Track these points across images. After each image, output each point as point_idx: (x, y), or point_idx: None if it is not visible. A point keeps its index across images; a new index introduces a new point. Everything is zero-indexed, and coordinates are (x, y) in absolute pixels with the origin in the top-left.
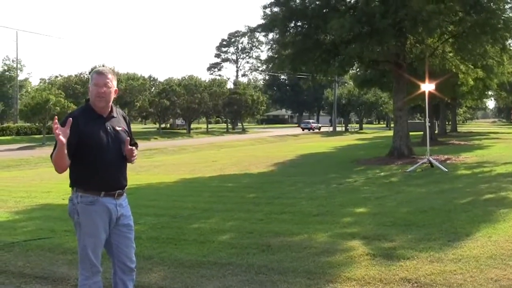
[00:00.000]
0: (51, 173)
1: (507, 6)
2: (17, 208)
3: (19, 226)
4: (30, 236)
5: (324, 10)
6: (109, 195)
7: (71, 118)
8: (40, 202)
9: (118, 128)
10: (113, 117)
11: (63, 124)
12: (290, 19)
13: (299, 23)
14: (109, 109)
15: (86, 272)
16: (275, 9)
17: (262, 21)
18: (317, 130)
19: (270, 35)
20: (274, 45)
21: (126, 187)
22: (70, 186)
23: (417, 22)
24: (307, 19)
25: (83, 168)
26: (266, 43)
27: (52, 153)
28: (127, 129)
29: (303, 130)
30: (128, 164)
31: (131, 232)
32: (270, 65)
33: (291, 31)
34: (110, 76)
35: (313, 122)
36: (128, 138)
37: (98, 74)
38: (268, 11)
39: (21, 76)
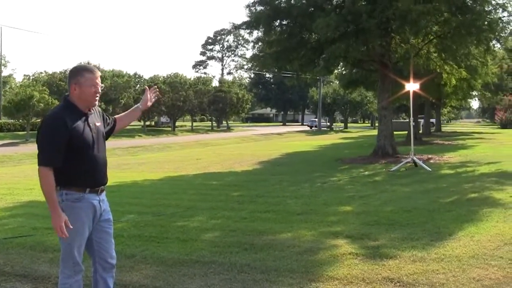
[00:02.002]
0: (35, 170)
1: (491, 8)
2: None
3: (0, 224)
4: (11, 234)
5: (310, 9)
6: (94, 192)
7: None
8: (22, 200)
9: (97, 124)
10: (91, 113)
11: (55, 125)
12: (274, 18)
13: (284, 22)
14: None
15: (68, 271)
16: (260, 8)
17: (247, 19)
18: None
19: (255, 33)
20: (259, 43)
21: (107, 183)
22: None
23: (405, 22)
24: (292, 17)
25: (70, 166)
26: (251, 41)
27: (44, 188)
28: (103, 124)
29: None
30: (113, 161)
31: (111, 227)
32: (255, 63)
33: (276, 29)
34: (98, 74)
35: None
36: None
37: (93, 73)
38: (252, 9)
39: (5, 72)
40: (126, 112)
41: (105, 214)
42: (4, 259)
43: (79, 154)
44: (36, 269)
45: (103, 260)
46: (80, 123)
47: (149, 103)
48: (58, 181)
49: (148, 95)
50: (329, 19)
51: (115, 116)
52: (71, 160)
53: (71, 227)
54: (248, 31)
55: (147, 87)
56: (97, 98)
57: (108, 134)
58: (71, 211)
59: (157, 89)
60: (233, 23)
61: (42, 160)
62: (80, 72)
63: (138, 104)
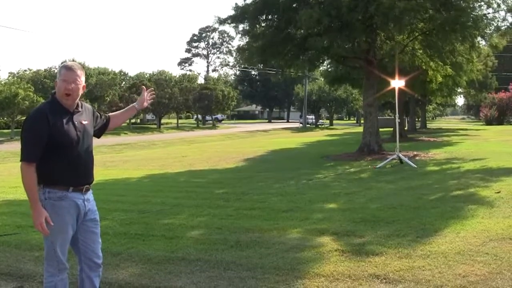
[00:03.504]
0: (19, 168)
1: (476, 5)
2: None
3: None
4: None
5: (294, 5)
6: (77, 191)
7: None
8: (7, 198)
9: (84, 122)
10: (79, 111)
11: (37, 120)
12: (261, 11)
13: (270, 16)
14: (76, 104)
15: (52, 269)
16: (248, 1)
17: (232, 13)
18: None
19: (240, 27)
20: (245, 35)
21: (93, 182)
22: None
23: (388, 19)
24: (278, 12)
25: (52, 164)
26: (237, 33)
27: (24, 184)
28: (93, 123)
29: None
30: (98, 159)
31: (97, 227)
32: (241, 56)
33: (262, 24)
34: (79, 72)
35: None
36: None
37: (67, 69)
38: (238, 3)
39: None
40: (122, 110)
41: (90, 213)
42: None
43: (61, 151)
44: (21, 268)
45: (89, 260)
46: (63, 120)
47: (146, 103)
48: (41, 179)
49: (145, 95)
50: (312, 11)
51: (109, 114)
52: (54, 157)
53: (52, 224)
54: (233, 25)
55: (143, 86)
56: (68, 95)
57: (101, 132)
58: (54, 209)
59: (153, 91)
60: (218, 17)
61: (23, 155)
62: (60, 68)
63: (134, 103)
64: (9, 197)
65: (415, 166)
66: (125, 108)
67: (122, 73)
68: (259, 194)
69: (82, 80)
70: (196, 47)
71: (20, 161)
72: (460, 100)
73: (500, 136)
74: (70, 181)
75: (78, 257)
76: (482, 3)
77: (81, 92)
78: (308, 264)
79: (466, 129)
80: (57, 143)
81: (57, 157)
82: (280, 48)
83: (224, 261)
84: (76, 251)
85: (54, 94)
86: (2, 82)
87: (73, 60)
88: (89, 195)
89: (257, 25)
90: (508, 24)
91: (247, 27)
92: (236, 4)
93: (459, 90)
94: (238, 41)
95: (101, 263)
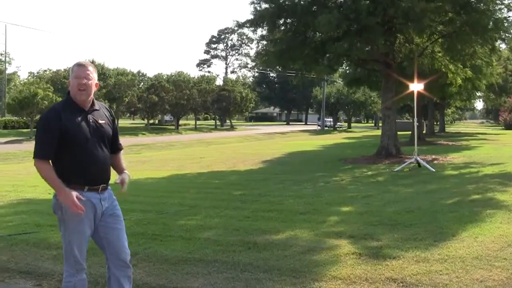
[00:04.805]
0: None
1: (496, 7)
2: (2, 202)
3: (4, 221)
4: (15, 231)
5: (314, 8)
6: (93, 190)
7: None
8: (26, 197)
9: (101, 121)
10: (95, 110)
11: (49, 118)
12: (279, 16)
13: (288, 20)
14: (90, 102)
15: (71, 269)
16: (264, 6)
17: (251, 17)
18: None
19: (259, 31)
20: (263, 41)
21: (109, 181)
22: None
23: (408, 20)
24: (297, 16)
25: (66, 163)
26: (255, 39)
27: (43, 177)
28: (110, 123)
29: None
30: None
31: (120, 222)
32: (259, 61)
33: (280, 27)
34: (90, 68)
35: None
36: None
37: (79, 66)
38: (257, 7)
39: (9, 70)
40: (119, 161)
41: (109, 210)
42: (8, 255)
43: (75, 150)
44: (40, 266)
45: (114, 257)
46: (76, 118)
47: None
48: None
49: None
50: (330, 16)
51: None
52: (68, 156)
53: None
54: (252, 29)
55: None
56: (81, 91)
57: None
58: (70, 209)
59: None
60: (237, 21)
61: (35, 152)
62: (72, 67)
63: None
64: (29, 196)
65: (433, 170)
66: (120, 165)
67: (140, 74)
68: (276, 196)
69: (94, 76)
70: (215, 48)
71: (33, 157)
72: (479, 104)
73: None
74: (86, 180)
75: (105, 255)
76: (503, 6)
77: (93, 88)
78: (324, 267)
79: (485, 133)
80: (70, 141)
81: (72, 156)
82: (298, 52)
83: (241, 262)
84: (102, 249)
85: (69, 93)
86: (22, 82)
87: (92, 61)
88: (106, 193)
89: (275, 29)
90: None
91: (265, 32)
92: (254, 7)
93: (478, 94)
94: (256, 44)
95: (128, 261)
